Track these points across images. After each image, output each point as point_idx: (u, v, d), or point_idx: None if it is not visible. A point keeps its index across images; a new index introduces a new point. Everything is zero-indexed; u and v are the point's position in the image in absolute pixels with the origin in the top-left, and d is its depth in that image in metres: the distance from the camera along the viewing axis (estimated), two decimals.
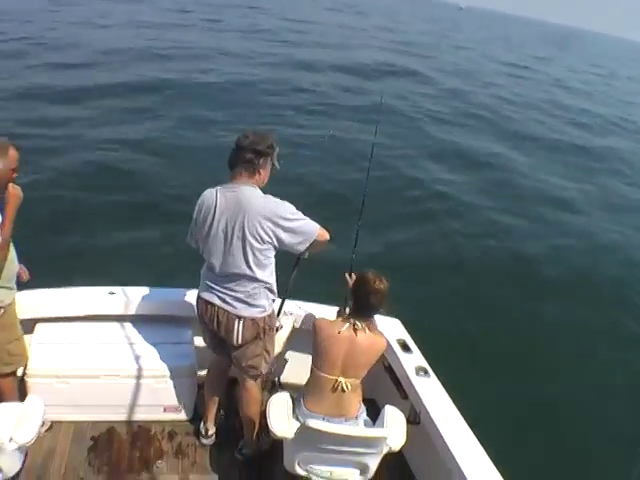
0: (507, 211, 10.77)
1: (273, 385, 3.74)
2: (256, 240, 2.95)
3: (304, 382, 3.17)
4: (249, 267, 3.00)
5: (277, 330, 3.49)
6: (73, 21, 25.84)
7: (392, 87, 20.03)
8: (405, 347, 3.72)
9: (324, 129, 12.63)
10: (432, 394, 3.40)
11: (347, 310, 3.17)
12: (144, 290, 3.86)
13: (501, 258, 8.70)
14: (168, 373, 3.54)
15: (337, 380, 2.96)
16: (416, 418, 3.35)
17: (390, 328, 3.82)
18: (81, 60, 17.69)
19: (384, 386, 3.71)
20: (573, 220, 10.93)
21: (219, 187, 3.07)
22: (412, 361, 3.61)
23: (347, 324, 3.00)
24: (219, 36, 28.01)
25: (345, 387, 2.97)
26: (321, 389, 3.00)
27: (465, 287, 7.49)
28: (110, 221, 7.67)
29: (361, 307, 3.03)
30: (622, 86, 38.79)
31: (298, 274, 3.43)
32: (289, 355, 3.88)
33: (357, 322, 2.99)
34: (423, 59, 30.60)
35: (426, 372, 3.54)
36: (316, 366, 3.04)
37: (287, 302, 3.64)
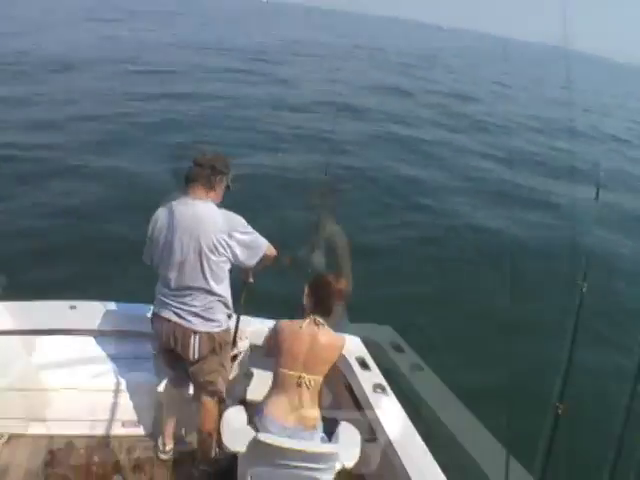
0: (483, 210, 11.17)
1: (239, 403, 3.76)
2: (212, 252, 3.01)
3: None
4: (205, 280, 3.06)
5: (236, 357, 3.57)
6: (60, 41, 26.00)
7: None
8: (364, 365, 3.75)
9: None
10: (389, 411, 3.43)
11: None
12: (105, 305, 3.86)
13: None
14: (127, 388, 3.55)
15: (300, 376, 3.00)
16: (372, 435, 3.37)
17: (349, 346, 3.83)
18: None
19: (344, 405, 3.73)
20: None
21: (174, 202, 3.13)
22: (370, 379, 3.64)
23: (308, 320, 3.07)
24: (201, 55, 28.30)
25: (308, 384, 3.00)
26: (284, 387, 3.03)
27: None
28: (74, 236, 7.75)
29: (322, 307, 3.11)
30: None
31: (250, 296, 3.54)
32: (253, 373, 3.91)
33: (317, 318, 3.07)
34: (414, 79, 31.15)
35: (384, 389, 3.57)
36: (279, 365, 3.06)
37: (250, 320, 3.71)
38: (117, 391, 3.53)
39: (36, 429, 3.49)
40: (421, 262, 8.66)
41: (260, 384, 3.69)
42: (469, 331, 6.66)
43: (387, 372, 3.65)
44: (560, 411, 1.83)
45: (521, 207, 11.81)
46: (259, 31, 48.79)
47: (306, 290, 3.16)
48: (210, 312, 3.13)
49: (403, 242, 9.30)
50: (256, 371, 3.87)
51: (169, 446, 3.56)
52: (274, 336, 3.15)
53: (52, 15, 37.46)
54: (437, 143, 17.14)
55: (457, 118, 21.83)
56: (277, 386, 3.08)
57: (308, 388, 3.00)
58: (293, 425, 2.99)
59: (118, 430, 3.61)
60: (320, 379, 3.08)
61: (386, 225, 9.91)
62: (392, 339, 3.92)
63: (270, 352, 3.23)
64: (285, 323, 3.15)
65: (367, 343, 3.95)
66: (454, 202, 11.84)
